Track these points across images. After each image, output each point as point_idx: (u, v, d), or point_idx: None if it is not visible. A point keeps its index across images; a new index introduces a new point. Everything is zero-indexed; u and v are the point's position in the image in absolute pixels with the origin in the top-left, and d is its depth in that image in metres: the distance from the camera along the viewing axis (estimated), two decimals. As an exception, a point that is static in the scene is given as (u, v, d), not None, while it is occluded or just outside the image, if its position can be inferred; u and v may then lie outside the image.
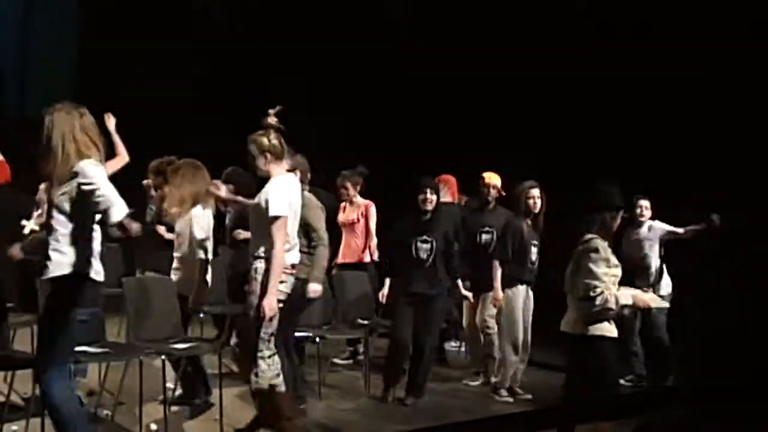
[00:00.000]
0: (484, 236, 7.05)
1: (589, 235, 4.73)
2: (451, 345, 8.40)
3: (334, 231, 7.00)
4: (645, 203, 7.42)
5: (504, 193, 7.12)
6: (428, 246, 6.36)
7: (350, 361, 7.65)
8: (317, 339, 6.64)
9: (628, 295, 4.73)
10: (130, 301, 5.47)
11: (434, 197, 6.38)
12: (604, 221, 4.75)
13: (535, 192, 6.72)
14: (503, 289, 6.76)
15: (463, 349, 8.11)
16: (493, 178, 7.15)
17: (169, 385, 5.60)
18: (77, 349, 4.60)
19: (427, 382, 6.57)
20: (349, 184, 7.56)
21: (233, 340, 6.47)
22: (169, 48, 10.52)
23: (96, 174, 4.11)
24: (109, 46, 10.55)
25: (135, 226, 4.13)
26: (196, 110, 10.45)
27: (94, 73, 10.72)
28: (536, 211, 6.72)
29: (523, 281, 6.75)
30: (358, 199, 7.60)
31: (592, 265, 4.65)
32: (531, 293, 6.82)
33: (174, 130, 9.05)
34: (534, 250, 6.74)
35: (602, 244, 4.71)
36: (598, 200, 4.79)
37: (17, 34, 11.21)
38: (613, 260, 4.73)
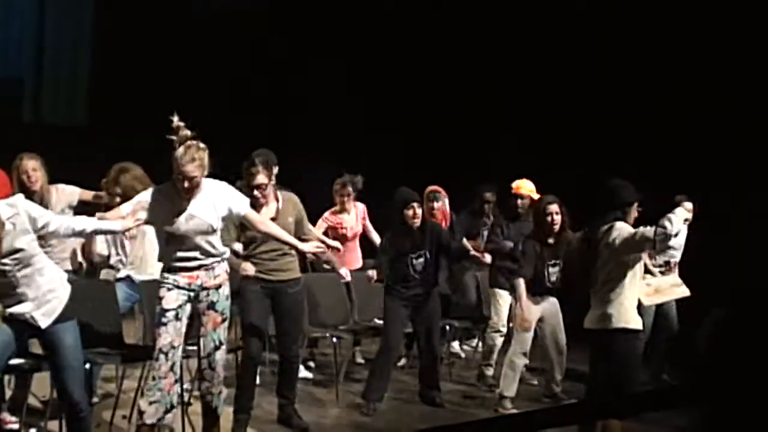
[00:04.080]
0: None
1: (610, 224, 4.73)
2: (465, 344, 8.39)
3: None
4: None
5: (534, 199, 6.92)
6: (422, 260, 6.32)
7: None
8: (334, 339, 6.66)
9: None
10: (146, 305, 5.50)
11: (420, 211, 6.32)
12: (620, 217, 4.73)
13: (554, 208, 6.31)
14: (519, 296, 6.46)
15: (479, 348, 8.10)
16: (522, 188, 7.02)
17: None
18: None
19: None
20: (353, 192, 7.33)
21: None
22: (185, 53, 10.55)
23: None
24: (125, 52, 10.59)
25: None
26: (211, 114, 10.47)
27: (109, 80, 10.77)
28: (556, 228, 6.32)
29: (541, 293, 6.41)
30: (352, 206, 7.41)
31: (625, 234, 4.66)
32: (555, 300, 6.50)
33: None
34: (552, 270, 6.38)
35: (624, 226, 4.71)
36: (611, 198, 4.75)
37: (33, 41, 11.26)
38: None
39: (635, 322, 4.71)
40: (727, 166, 8.21)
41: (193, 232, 4.79)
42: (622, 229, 4.70)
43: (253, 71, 11.17)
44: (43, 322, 4.31)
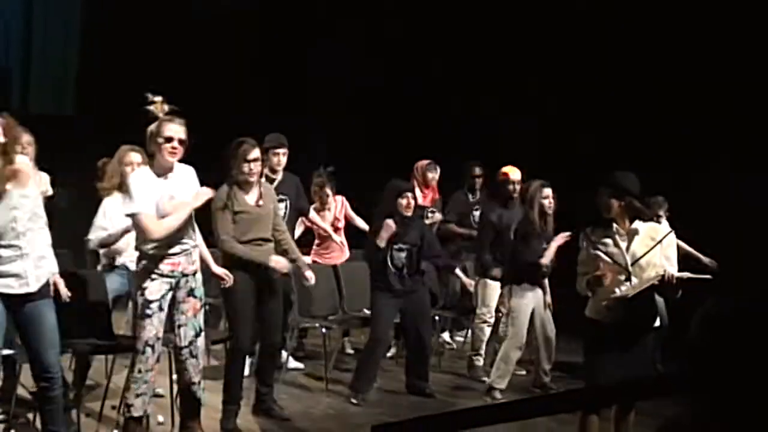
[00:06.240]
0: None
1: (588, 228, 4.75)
2: (457, 335, 8.41)
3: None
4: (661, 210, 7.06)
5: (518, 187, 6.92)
6: (410, 252, 6.32)
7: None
8: (323, 329, 6.67)
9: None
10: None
11: (413, 202, 6.33)
12: (607, 207, 4.64)
13: (549, 191, 6.43)
14: (512, 287, 6.52)
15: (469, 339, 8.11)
16: (513, 174, 7.03)
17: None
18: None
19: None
20: (331, 190, 7.34)
21: None
22: (175, 44, 10.50)
23: None
24: (113, 42, 10.53)
25: None
26: (203, 107, 10.44)
27: (97, 70, 10.71)
28: (551, 211, 6.43)
29: (533, 282, 6.49)
30: (331, 201, 7.40)
31: (582, 253, 4.75)
32: (546, 289, 6.58)
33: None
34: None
35: (594, 235, 4.67)
36: (609, 184, 4.67)
37: (21, 30, 11.19)
38: (614, 251, 4.62)
39: (603, 316, 4.67)
40: (726, 165, 8.21)
41: None
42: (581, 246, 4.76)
43: (253, 71, 11.14)
44: (33, 286, 4.31)
